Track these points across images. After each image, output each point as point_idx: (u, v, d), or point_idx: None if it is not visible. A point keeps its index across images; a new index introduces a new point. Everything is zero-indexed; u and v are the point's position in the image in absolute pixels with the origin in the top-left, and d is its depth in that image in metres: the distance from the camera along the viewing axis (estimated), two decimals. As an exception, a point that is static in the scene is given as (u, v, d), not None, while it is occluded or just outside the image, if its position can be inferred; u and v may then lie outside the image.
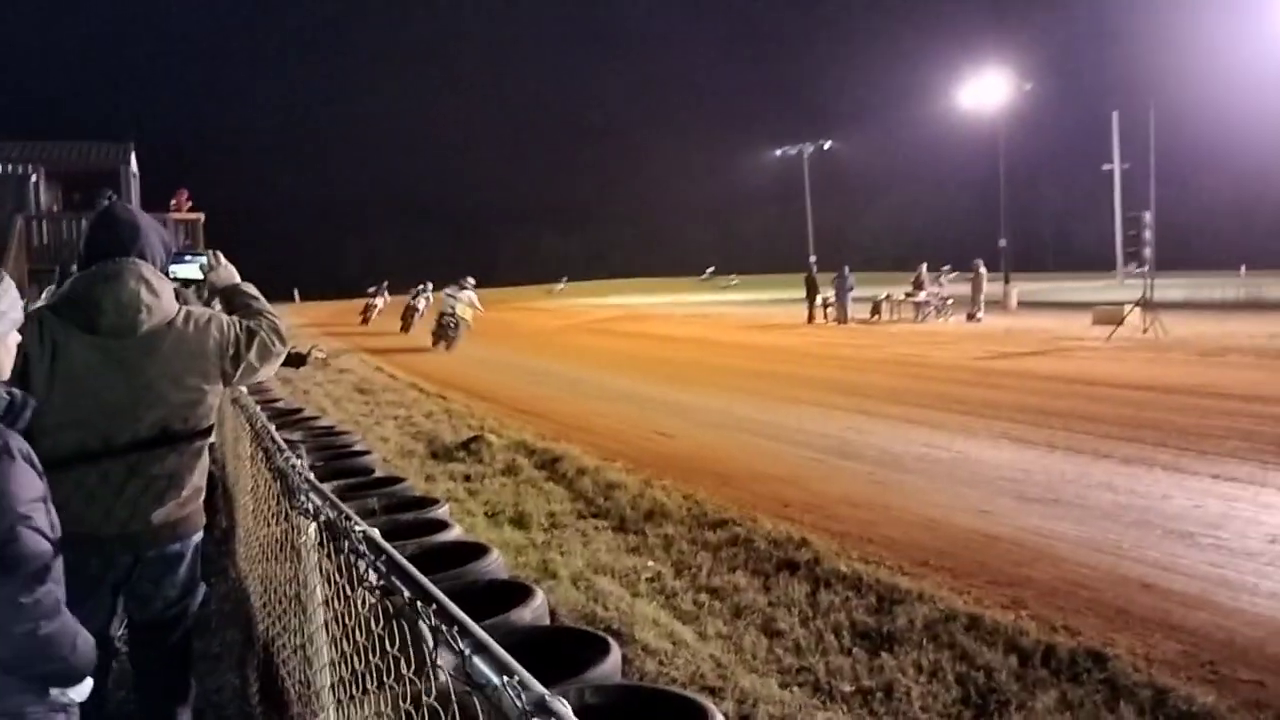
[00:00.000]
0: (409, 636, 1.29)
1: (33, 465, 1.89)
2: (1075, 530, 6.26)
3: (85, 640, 1.97)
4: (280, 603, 2.96)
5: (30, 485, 1.86)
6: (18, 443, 1.87)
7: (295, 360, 6.63)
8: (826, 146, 58.41)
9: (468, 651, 1.05)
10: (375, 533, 1.55)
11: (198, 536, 2.92)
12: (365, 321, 33.45)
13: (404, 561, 1.36)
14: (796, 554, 5.71)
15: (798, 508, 6.95)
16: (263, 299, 3.13)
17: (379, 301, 34.94)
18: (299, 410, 9.24)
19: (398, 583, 1.30)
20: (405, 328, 28.78)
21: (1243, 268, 44.13)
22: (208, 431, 2.89)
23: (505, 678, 0.95)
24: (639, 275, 74.31)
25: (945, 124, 49.77)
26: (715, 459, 8.91)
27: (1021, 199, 45.20)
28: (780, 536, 6.04)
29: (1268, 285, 31.97)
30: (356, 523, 1.63)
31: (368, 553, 1.47)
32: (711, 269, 73.63)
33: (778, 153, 62.00)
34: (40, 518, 1.85)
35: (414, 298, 29.98)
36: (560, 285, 68.35)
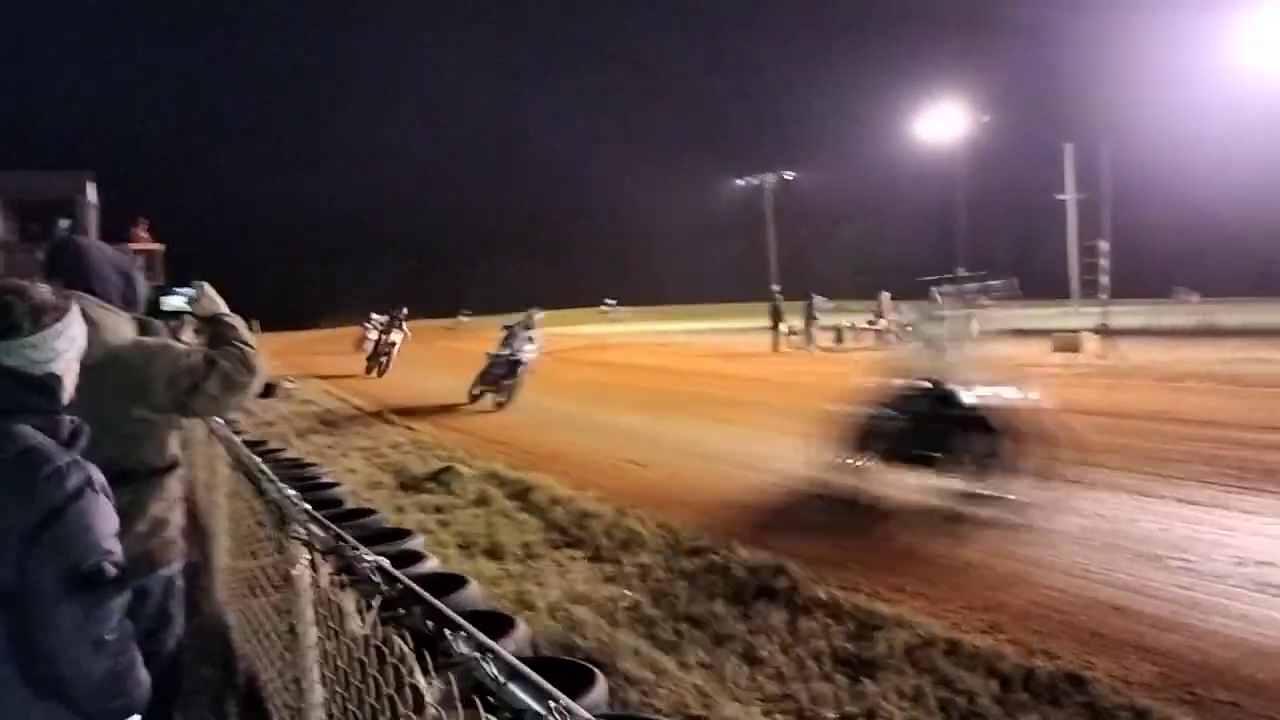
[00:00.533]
0: (430, 663, 1.28)
1: (109, 497, 1.88)
2: (1046, 554, 6.33)
3: (146, 677, 1.95)
4: (267, 637, 2.92)
5: (110, 518, 1.85)
6: (97, 475, 1.86)
7: (264, 391, 6.57)
8: (789, 177, 59.01)
9: (502, 678, 1.05)
10: (385, 561, 1.54)
11: (168, 570, 2.86)
12: (376, 370, 22.93)
13: (422, 591, 1.35)
14: (774, 581, 5.74)
15: (773, 534, 6.96)
16: (241, 329, 3.10)
17: (396, 337, 23.40)
18: (262, 442, 9.13)
19: (419, 611, 1.29)
20: (377, 369, 22.63)
21: (1196, 295, 45.05)
22: (168, 466, 2.84)
23: (551, 703, 0.96)
24: (587, 305, 73.34)
25: (905, 155, 50.60)
26: (688, 487, 8.90)
27: (979, 229, 45.97)
28: (757, 564, 6.05)
29: (1218, 312, 32.63)
30: (365, 552, 1.62)
31: (382, 582, 1.46)
32: (614, 301, 72.11)
33: (740, 182, 62.45)
34: (119, 552, 1.84)
35: (384, 330, 23.58)
36: (464, 318, 60.92)
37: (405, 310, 23.66)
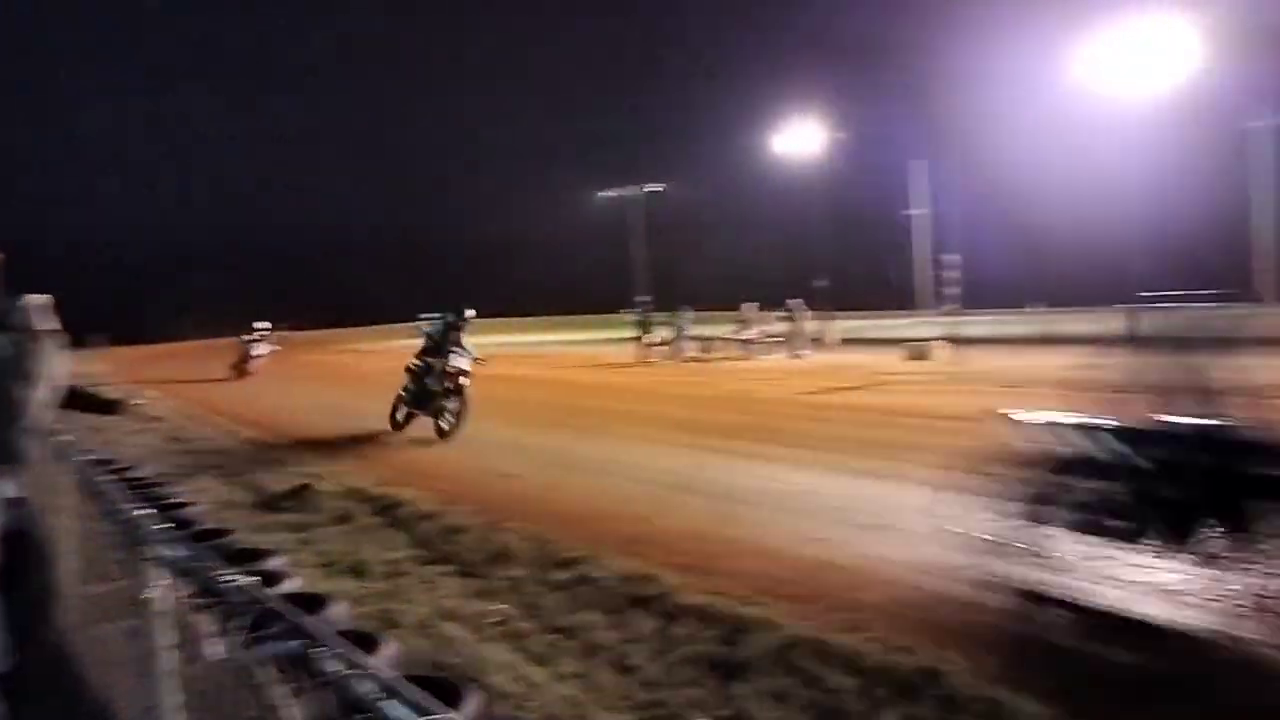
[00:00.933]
0: (301, 688, 1.25)
1: None
2: (904, 554, 6.57)
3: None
4: (121, 664, 2.78)
5: None
6: None
7: (109, 407, 6.24)
8: (652, 190, 59.68)
9: (380, 695, 1.03)
10: (250, 580, 1.49)
11: None
12: (436, 424, 12.98)
13: (290, 610, 1.31)
14: (645, 589, 5.78)
15: (644, 543, 7.01)
16: (42, 346, 2.87)
17: (463, 362, 13.29)
18: (110, 461, 8.66)
19: (285, 631, 1.26)
20: (436, 422, 12.99)
21: (1036, 304, 47.58)
22: None
23: (430, 717, 0.94)
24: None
25: (768, 170, 51.86)
26: (560, 499, 8.89)
27: (838, 241, 47.58)
28: (629, 573, 6.09)
29: (1056, 321, 34.55)
30: (225, 572, 1.56)
31: (245, 603, 1.41)
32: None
33: (606, 194, 62.80)
34: None
35: (432, 351, 13.68)
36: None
37: (472, 312, 13.81)
